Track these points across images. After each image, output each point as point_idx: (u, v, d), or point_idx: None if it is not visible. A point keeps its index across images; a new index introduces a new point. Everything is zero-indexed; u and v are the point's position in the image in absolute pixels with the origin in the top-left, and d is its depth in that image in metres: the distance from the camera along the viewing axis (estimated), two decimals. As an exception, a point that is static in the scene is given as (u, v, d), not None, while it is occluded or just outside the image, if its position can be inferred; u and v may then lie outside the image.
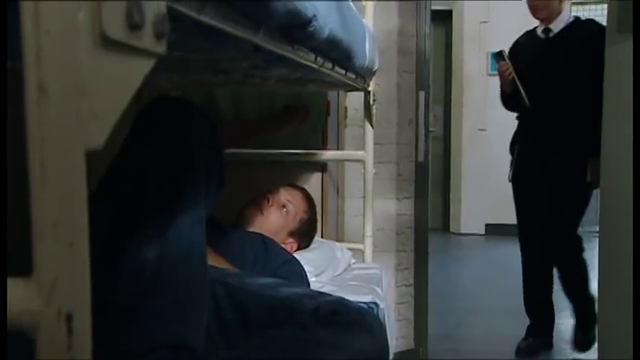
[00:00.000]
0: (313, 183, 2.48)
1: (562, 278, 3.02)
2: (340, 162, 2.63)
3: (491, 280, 4.68)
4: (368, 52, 1.79)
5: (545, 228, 2.94)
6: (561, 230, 2.93)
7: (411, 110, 3.04)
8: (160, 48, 0.52)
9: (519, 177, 3.02)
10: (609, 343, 2.44)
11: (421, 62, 3.07)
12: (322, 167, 2.52)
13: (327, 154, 2.45)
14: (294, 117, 2.30)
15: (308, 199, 2.14)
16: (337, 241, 2.49)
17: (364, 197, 2.37)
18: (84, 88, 0.42)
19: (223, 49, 1.03)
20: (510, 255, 3.81)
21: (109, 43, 0.45)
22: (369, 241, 2.37)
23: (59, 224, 0.40)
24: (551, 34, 2.85)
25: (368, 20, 2.25)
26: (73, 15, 0.41)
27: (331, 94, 2.60)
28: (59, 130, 0.41)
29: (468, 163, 6.34)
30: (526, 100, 2.84)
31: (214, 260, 1.47)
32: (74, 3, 0.41)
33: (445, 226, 6.78)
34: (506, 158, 3.17)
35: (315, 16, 0.99)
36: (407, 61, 3.03)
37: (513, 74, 2.86)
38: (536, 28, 2.98)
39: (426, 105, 3.08)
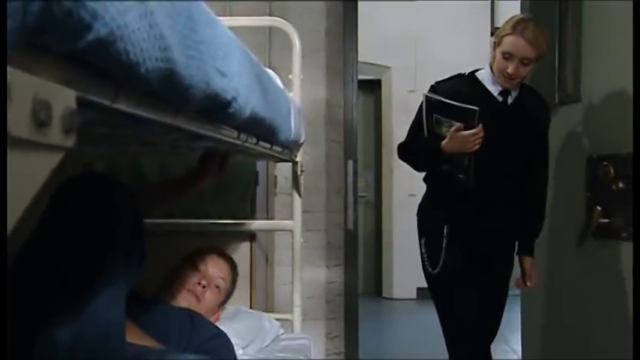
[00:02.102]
0: (242, 252, 2.47)
1: None
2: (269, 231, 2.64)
3: (422, 345, 4.70)
4: (293, 125, 1.83)
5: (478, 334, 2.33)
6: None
7: (339, 179, 3.10)
8: (69, 142, 0.54)
9: (451, 267, 2.29)
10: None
11: (349, 132, 3.16)
12: (251, 236, 2.52)
13: (256, 224, 2.46)
14: (211, 166, 1.98)
15: (233, 266, 2.12)
16: (266, 311, 2.47)
17: (292, 266, 2.37)
18: (-16, 189, 0.43)
19: (144, 128, 1.04)
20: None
21: (13, 142, 0.46)
22: (297, 311, 2.36)
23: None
24: (509, 100, 2.29)
25: (295, 92, 2.31)
26: (-24, 117, 0.42)
27: (260, 164, 2.63)
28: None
29: (399, 228, 6.44)
30: (471, 177, 2.22)
31: (137, 337, 1.43)
32: (-22, 105, 0.42)
33: (378, 291, 6.82)
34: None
35: (235, 98, 1.01)
36: (335, 130, 3.12)
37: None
38: (474, 75, 2.36)
39: (355, 173, 3.15)
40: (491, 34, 6.62)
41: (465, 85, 2.31)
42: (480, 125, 2.12)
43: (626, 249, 2.16)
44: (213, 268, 2.01)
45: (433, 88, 2.31)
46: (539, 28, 2.15)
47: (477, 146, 2.14)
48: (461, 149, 2.16)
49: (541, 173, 2.38)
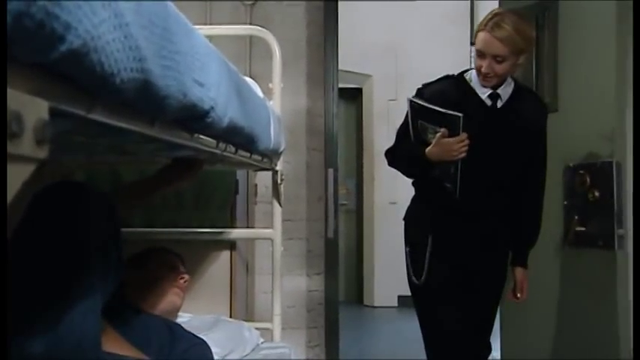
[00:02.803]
0: (222, 261, 2.46)
1: None
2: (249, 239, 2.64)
3: (403, 353, 4.70)
4: (273, 134, 1.83)
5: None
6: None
7: (320, 187, 3.10)
8: (42, 153, 0.53)
9: (434, 280, 2.17)
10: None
11: (329, 140, 3.17)
12: (231, 245, 2.51)
13: (235, 233, 2.45)
14: (186, 168, 1.86)
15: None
16: (246, 320, 2.46)
17: (272, 275, 2.37)
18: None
19: (122, 137, 1.04)
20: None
21: (-17, 154, 0.46)
22: (277, 320, 2.35)
23: None
24: (499, 103, 2.13)
25: (275, 101, 2.31)
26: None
27: (240, 172, 2.63)
28: None
29: (380, 235, 6.45)
30: (457, 186, 2.08)
31: (117, 346, 1.42)
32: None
33: (359, 299, 6.82)
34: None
35: (212, 107, 1.01)
36: (316, 139, 3.12)
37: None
38: (462, 75, 2.20)
39: (335, 181, 3.16)
40: (471, 43, 6.70)
41: (452, 87, 2.16)
42: (465, 133, 2.00)
43: (602, 257, 2.18)
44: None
45: (419, 92, 2.17)
46: (514, 23, 1.98)
47: (463, 154, 2.01)
48: (446, 157, 2.03)
49: (536, 180, 2.21)
